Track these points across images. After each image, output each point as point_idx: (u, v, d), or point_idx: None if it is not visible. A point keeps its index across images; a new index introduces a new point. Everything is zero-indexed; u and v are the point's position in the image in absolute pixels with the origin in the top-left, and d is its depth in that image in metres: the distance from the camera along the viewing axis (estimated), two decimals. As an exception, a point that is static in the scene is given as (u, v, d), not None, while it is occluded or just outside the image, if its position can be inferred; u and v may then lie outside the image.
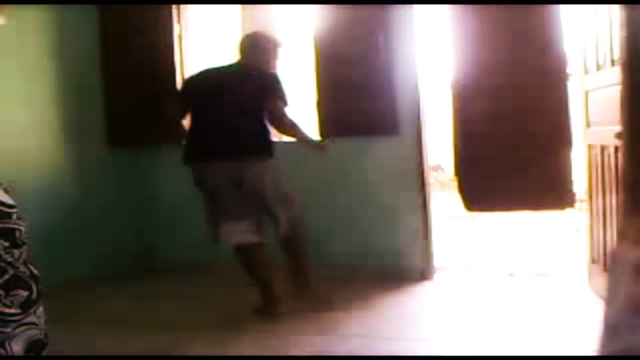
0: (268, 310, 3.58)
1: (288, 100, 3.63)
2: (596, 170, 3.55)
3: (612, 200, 3.29)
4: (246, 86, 3.59)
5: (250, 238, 3.60)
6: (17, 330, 1.41)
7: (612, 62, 3.19)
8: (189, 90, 3.81)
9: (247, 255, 3.62)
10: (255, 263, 3.63)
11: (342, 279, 4.17)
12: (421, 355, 2.99)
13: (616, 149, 3.20)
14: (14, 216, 1.46)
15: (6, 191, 1.49)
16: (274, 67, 3.79)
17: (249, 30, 5.37)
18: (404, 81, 4.19)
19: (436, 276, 4.34)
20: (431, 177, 4.79)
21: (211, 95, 3.60)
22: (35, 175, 4.15)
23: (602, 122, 3.40)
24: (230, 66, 3.80)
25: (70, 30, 4.50)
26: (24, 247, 1.47)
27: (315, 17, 4.34)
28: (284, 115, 3.60)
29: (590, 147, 3.65)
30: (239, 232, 3.58)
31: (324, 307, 3.67)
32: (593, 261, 3.71)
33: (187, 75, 4.72)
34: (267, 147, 3.62)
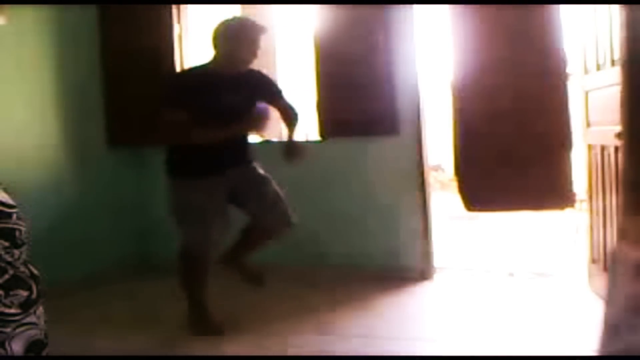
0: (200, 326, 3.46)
1: (281, 90, 3.56)
2: (596, 170, 3.55)
3: (612, 200, 3.29)
4: (241, 91, 3.34)
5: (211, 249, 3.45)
6: (17, 330, 1.40)
7: (612, 62, 3.19)
8: (183, 94, 3.29)
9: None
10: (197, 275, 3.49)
11: (342, 279, 4.17)
12: (421, 355, 2.99)
13: (616, 149, 3.20)
14: (14, 216, 1.46)
15: (6, 191, 1.49)
16: (252, 58, 3.37)
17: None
18: (404, 81, 4.19)
19: (436, 276, 4.34)
20: (431, 177, 4.79)
21: (211, 104, 3.27)
22: (35, 175, 4.15)
23: (602, 122, 3.40)
24: (210, 66, 3.40)
25: (70, 30, 4.50)
26: (24, 247, 1.47)
27: (315, 17, 4.35)
28: (291, 107, 3.55)
29: (590, 147, 3.65)
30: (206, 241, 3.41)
31: (253, 282, 3.61)
32: (593, 261, 3.71)
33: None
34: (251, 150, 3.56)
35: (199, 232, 3.37)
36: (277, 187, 3.52)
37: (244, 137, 3.50)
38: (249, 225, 3.56)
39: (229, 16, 3.59)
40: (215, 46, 3.34)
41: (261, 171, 3.53)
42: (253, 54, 3.34)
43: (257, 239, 3.60)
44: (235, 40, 3.29)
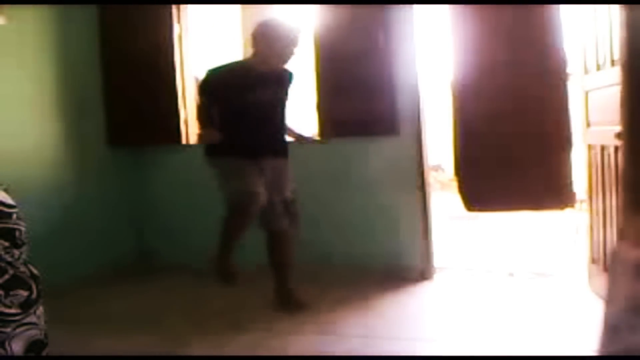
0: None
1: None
2: (596, 170, 3.55)
3: (612, 200, 3.29)
4: (274, 87, 3.64)
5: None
6: (17, 330, 1.41)
7: (612, 62, 3.19)
8: (215, 90, 3.64)
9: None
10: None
11: (342, 279, 4.17)
12: (421, 355, 2.99)
13: (616, 149, 3.20)
14: (14, 216, 1.46)
15: (6, 191, 1.49)
16: (290, 56, 3.65)
17: (248, 30, 5.36)
18: (404, 81, 4.19)
19: (436, 276, 4.34)
20: (431, 177, 4.79)
21: (245, 98, 3.58)
22: (35, 175, 4.15)
23: (602, 122, 3.40)
24: (249, 63, 3.70)
25: (70, 30, 4.50)
26: (24, 247, 1.47)
27: (316, 17, 4.34)
28: None
29: (590, 147, 3.65)
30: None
31: (295, 310, 3.64)
32: (593, 261, 3.71)
33: (187, 74, 4.73)
34: (287, 146, 3.77)
35: (241, 186, 3.51)
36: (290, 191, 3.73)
37: (277, 131, 3.72)
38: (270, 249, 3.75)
39: (270, 17, 3.83)
40: (255, 45, 3.63)
41: (287, 171, 3.73)
42: (290, 52, 3.62)
43: (276, 252, 3.76)
44: (273, 40, 3.56)
